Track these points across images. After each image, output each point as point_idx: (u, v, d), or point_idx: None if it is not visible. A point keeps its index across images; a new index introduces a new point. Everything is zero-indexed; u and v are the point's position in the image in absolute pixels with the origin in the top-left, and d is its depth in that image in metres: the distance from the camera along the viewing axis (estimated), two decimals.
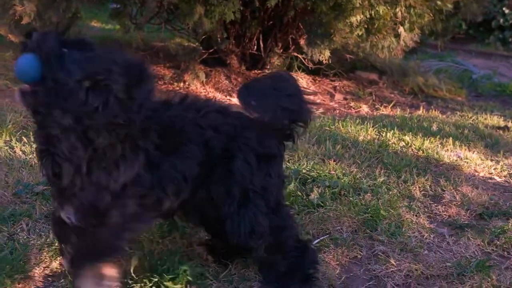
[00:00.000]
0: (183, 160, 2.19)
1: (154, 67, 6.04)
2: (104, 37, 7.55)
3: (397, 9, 5.37)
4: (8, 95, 4.83)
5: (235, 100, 5.29)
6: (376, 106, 5.76)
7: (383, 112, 5.50)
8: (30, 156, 3.47)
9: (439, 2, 5.71)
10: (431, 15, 5.76)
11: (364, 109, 5.64)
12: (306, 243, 2.42)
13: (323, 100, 5.76)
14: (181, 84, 5.54)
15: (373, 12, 5.24)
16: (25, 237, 2.61)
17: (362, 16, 5.17)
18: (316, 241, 2.74)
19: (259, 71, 5.91)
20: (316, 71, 6.19)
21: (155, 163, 2.13)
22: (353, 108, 5.67)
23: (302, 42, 5.76)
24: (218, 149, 2.24)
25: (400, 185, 3.44)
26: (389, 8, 5.28)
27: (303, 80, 5.94)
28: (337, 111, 5.47)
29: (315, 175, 3.36)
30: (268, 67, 5.94)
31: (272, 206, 2.30)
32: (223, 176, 2.26)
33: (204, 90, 5.45)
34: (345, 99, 5.92)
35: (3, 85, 5.07)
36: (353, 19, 5.14)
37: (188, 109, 2.27)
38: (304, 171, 3.40)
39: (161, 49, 6.17)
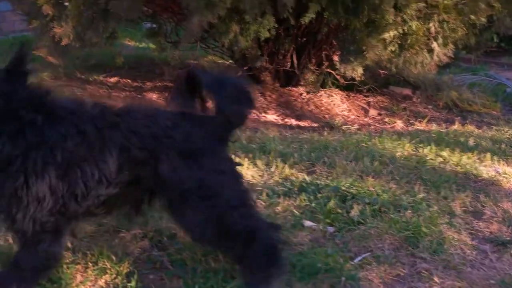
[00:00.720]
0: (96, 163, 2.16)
1: None
2: (139, 56, 7.65)
3: (430, 24, 5.37)
4: None
5: (270, 117, 5.33)
6: (411, 121, 5.75)
7: (418, 127, 5.49)
8: None
9: (472, 16, 5.69)
10: (465, 29, 5.75)
11: (399, 124, 5.64)
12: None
13: (357, 116, 5.76)
14: None
15: (406, 28, 5.25)
16: (70, 255, 2.66)
17: (395, 32, 5.19)
18: (358, 259, 2.74)
19: (293, 88, 5.95)
20: (350, 87, 6.20)
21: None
22: (388, 123, 5.67)
23: (335, 58, 5.79)
24: (140, 153, 2.20)
25: (440, 201, 3.42)
26: (422, 23, 5.29)
27: (337, 96, 5.95)
28: (372, 127, 5.47)
29: (355, 192, 3.37)
30: (302, 83, 5.97)
31: (220, 206, 2.25)
32: (150, 180, 2.24)
33: None
34: (379, 114, 5.91)
35: None
36: (386, 35, 5.16)
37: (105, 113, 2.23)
38: (343, 188, 3.41)
39: (196, 66, 6.22)
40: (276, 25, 5.15)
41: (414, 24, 5.22)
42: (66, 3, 4.74)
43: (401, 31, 5.22)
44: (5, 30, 9.05)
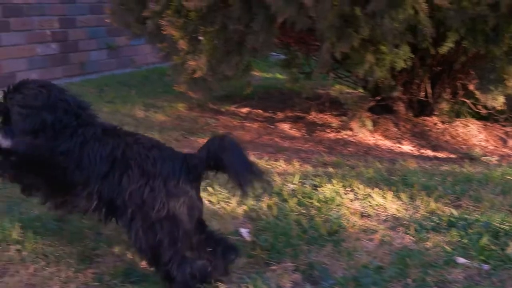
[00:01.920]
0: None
1: (321, 115, 6.14)
2: (267, 86, 7.76)
3: None
4: (184, 145, 5.07)
5: (405, 148, 5.23)
6: None
7: None
8: (218, 206, 3.61)
9: None
10: None
11: None
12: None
13: (496, 147, 5.55)
14: (349, 132, 5.56)
15: None
16: (224, 286, 2.70)
17: None
18: None
19: (427, 118, 5.82)
20: (486, 116, 5.99)
21: None
22: None
23: (471, 87, 5.62)
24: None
25: None
26: None
27: (473, 126, 5.76)
28: None
29: (507, 228, 3.23)
30: (436, 113, 5.83)
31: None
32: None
33: (373, 138, 5.43)
34: None
35: (179, 136, 5.32)
36: None
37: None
38: (494, 223, 3.28)
39: (327, 96, 6.24)
40: (412, 55, 5.07)
41: None
42: (201, 37, 4.88)
43: None
44: (138, 62, 9.45)
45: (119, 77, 8.29)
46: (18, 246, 3.05)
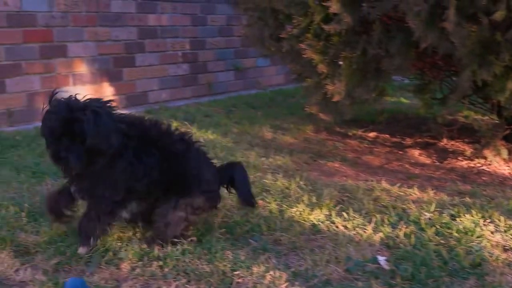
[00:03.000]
0: None
1: (452, 142, 5.98)
2: (393, 110, 7.67)
3: None
4: (315, 168, 5.08)
5: None
6: None
7: None
8: (353, 232, 3.58)
9: None
10: None
11: None
12: None
13: None
14: (482, 161, 5.38)
15: None
16: None
17: None
18: None
19: None
20: None
21: None
22: None
23: None
24: None
25: None
26: None
27: None
28: None
29: None
30: None
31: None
32: None
33: (508, 168, 5.23)
34: None
35: (309, 159, 5.34)
36: None
37: None
38: None
39: (458, 123, 6.08)
40: None
41: None
42: (340, 62, 4.87)
43: None
44: (264, 84, 9.60)
45: (245, 98, 8.44)
46: (160, 263, 3.14)
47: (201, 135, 5.99)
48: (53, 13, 6.55)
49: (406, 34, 4.47)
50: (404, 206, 4.05)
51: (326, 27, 4.60)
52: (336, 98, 4.98)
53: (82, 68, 6.93)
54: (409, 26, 4.35)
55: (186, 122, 6.51)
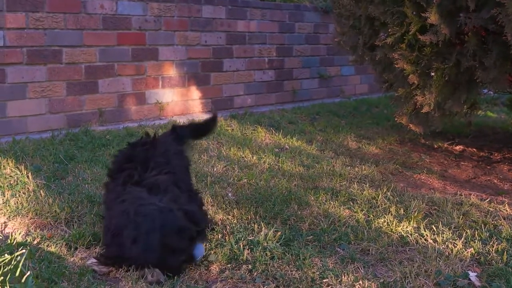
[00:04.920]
0: None
1: None
2: (480, 124, 7.52)
3: None
4: (400, 179, 5.03)
5: None
6: None
7: None
8: (443, 246, 3.53)
9: None
10: None
11: None
12: None
13: None
14: None
15: None
16: None
17: None
18: None
19: None
20: None
21: None
22: None
23: None
24: None
25: None
26: None
27: None
28: None
29: None
30: None
31: None
32: None
33: None
34: None
35: (395, 170, 5.28)
36: None
37: None
38: None
39: None
40: None
41: None
42: (432, 73, 4.81)
43: None
44: (347, 93, 9.56)
45: (329, 106, 8.42)
46: (249, 266, 3.18)
47: (286, 142, 6.02)
48: (146, 17, 6.73)
49: (503, 47, 4.38)
50: (495, 222, 3.96)
51: (422, 37, 4.55)
52: (425, 109, 4.92)
53: (171, 72, 7.08)
54: (506, 39, 4.26)
55: (271, 128, 6.55)
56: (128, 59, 6.65)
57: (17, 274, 2.75)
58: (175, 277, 3.01)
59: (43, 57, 5.89)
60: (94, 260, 3.10)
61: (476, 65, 4.58)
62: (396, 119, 5.59)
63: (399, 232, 3.71)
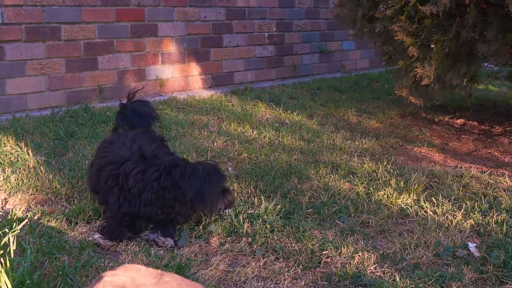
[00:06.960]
0: None
1: None
2: (481, 98, 7.49)
3: None
4: (401, 153, 5.03)
5: None
6: None
7: None
8: (443, 217, 3.54)
9: None
10: None
11: None
12: None
13: None
14: None
15: None
16: None
17: None
18: None
19: None
20: None
21: None
22: None
23: None
24: None
25: None
26: None
27: None
28: None
29: None
30: None
31: None
32: None
33: None
34: None
35: (395, 143, 5.28)
36: None
37: None
38: None
39: None
40: None
41: None
42: (432, 45, 4.78)
43: None
44: (348, 68, 9.53)
45: (330, 81, 8.39)
46: (249, 239, 3.19)
47: (287, 117, 6.01)
48: None
49: (504, 19, 4.34)
50: (495, 194, 3.96)
51: (422, 8, 4.51)
52: (425, 82, 4.90)
53: (171, 48, 7.05)
54: (508, 11, 4.22)
55: (271, 103, 6.54)
56: (127, 36, 6.62)
57: (15, 247, 2.76)
58: (175, 250, 3.03)
59: (41, 34, 5.86)
60: (99, 235, 3.12)
61: (476, 37, 4.55)
62: (396, 92, 5.57)
63: (399, 205, 3.72)
